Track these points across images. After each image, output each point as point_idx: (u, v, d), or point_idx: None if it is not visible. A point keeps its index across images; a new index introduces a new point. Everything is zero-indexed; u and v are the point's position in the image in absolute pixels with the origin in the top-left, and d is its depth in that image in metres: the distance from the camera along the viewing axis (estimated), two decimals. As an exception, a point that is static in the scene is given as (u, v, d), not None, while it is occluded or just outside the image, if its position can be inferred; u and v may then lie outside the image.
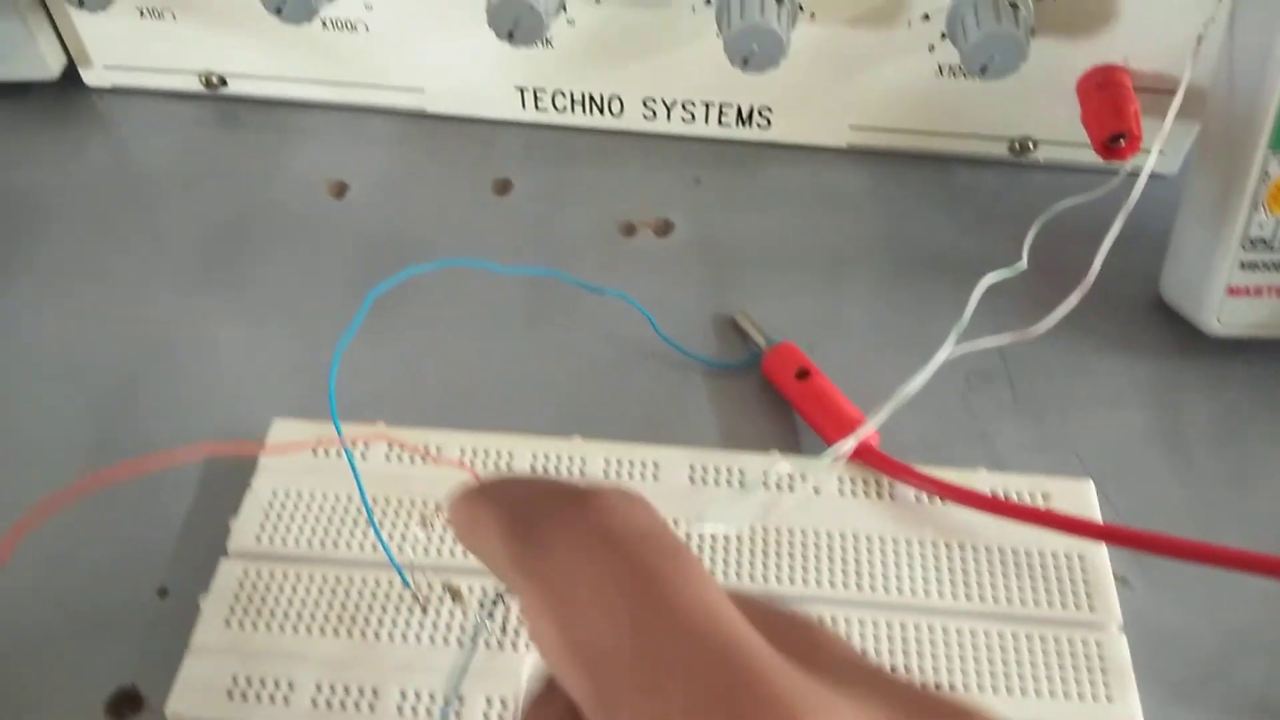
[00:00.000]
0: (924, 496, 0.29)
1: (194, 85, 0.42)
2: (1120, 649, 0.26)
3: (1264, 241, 0.31)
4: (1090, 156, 0.36)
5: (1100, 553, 0.28)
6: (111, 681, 0.27)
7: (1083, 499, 0.29)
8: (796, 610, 0.16)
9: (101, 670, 0.27)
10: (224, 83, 0.41)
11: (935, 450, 0.32)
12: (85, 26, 0.40)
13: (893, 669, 0.20)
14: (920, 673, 0.26)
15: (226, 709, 0.25)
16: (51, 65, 0.41)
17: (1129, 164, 0.35)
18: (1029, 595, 0.27)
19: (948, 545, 0.28)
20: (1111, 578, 0.28)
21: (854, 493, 0.29)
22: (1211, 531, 0.30)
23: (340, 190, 0.39)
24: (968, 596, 0.27)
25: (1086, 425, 0.32)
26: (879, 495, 0.29)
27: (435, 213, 0.38)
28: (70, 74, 0.42)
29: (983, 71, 0.33)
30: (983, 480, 0.29)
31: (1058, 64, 0.36)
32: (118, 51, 0.41)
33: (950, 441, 0.32)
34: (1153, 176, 0.39)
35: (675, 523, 0.28)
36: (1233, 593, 0.28)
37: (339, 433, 0.26)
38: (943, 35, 0.35)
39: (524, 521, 0.16)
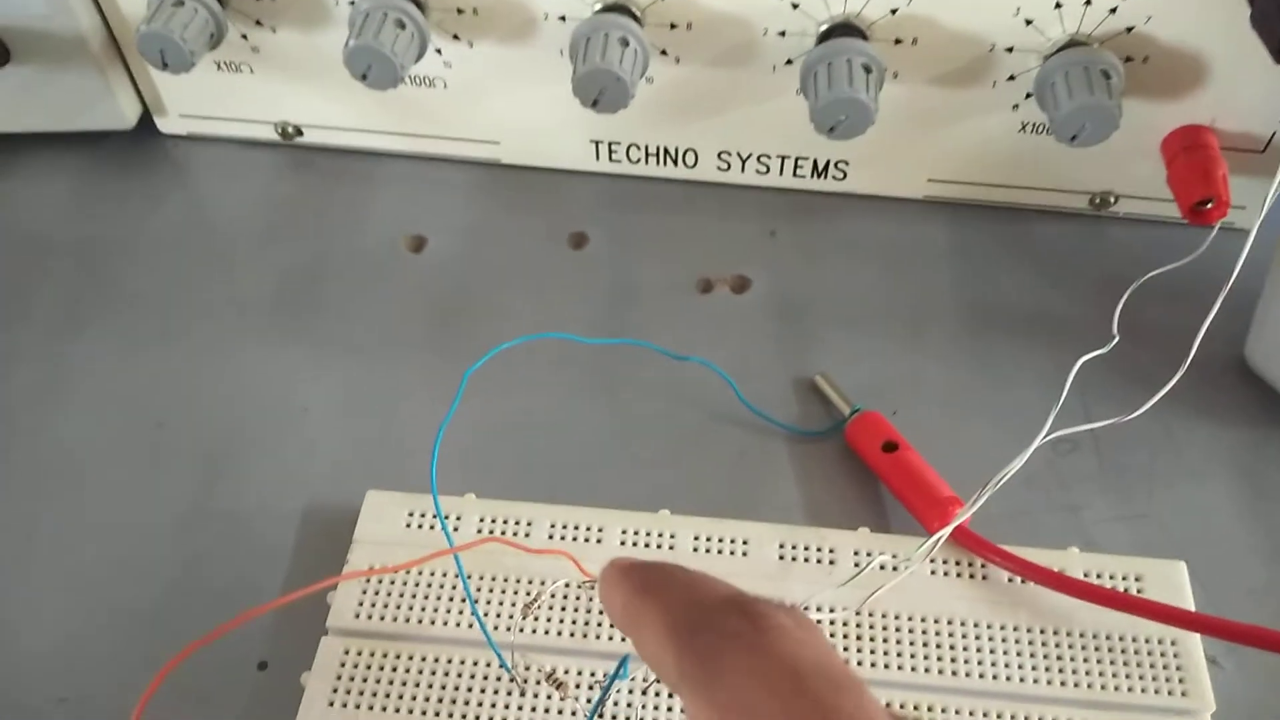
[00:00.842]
0: (1016, 578, 0.29)
1: (270, 135, 0.42)
2: (1217, 739, 0.26)
3: (1360, 316, 0.31)
4: (1171, 210, 0.36)
5: (1193, 638, 0.28)
6: (217, 755, 0.27)
7: (1174, 581, 0.29)
8: None
9: (207, 743, 0.28)
10: (300, 133, 0.42)
11: (1024, 521, 0.32)
12: (162, 78, 0.41)
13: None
14: (1016, 761, 0.26)
15: (333, 792, 0.25)
16: (128, 115, 0.41)
17: (1216, 226, 0.34)
18: (1122, 681, 0.27)
19: (1041, 630, 0.28)
20: (1204, 663, 0.27)
21: (946, 574, 0.29)
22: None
23: (419, 245, 0.39)
24: (1062, 683, 0.27)
25: (1174, 497, 0.32)
26: (971, 576, 0.29)
27: (513, 267, 0.38)
28: (145, 121, 0.42)
29: (1073, 140, 0.33)
30: (1075, 561, 0.29)
31: (1143, 123, 0.36)
32: (194, 101, 0.41)
33: (1038, 512, 0.32)
34: (1234, 230, 0.38)
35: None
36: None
37: (440, 518, 0.26)
38: (1028, 95, 0.35)
39: (692, 630, 0.16)
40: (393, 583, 0.28)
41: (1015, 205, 0.40)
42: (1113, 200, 0.39)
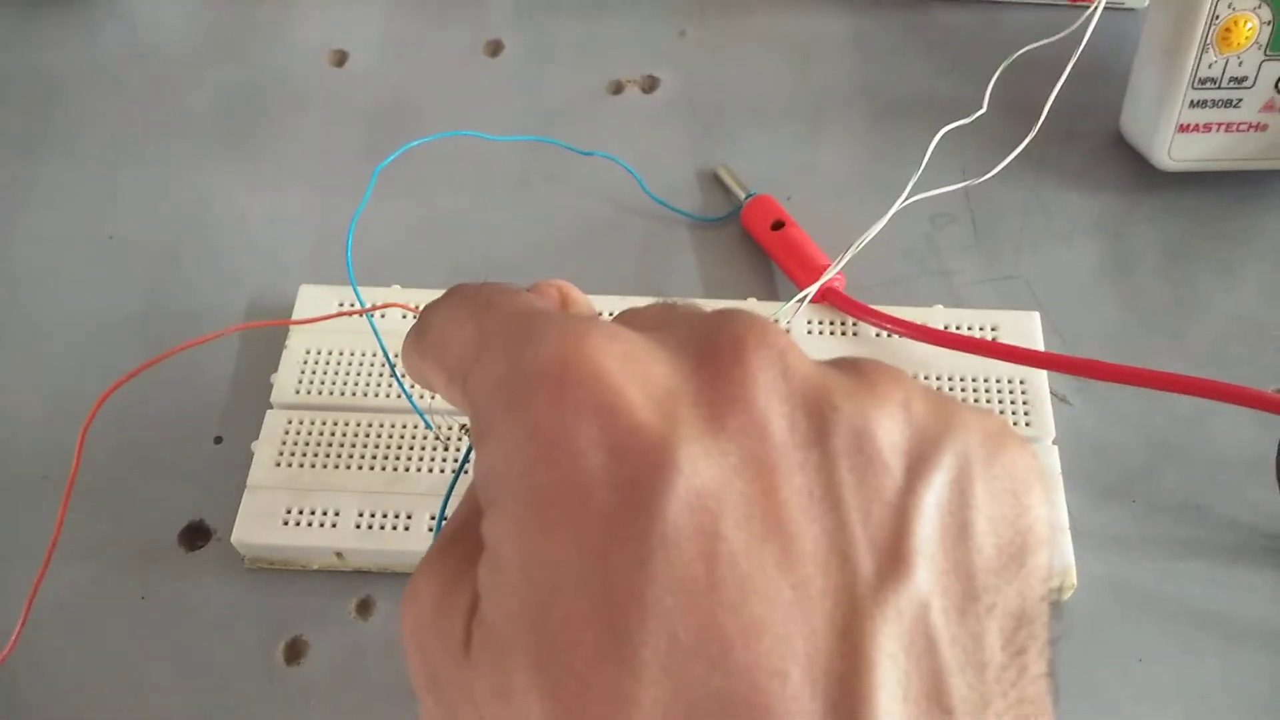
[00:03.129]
0: (884, 333, 0.32)
1: (191, -43, 0.43)
2: (1051, 459, 0.30)
3: (1212, 81, 0.33)
4: (1065, -9, 0.37)
5: (1040, 376, 0.31)
6: (181, 517, 0.31)
7: (1027, 329, 0.32)
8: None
9: (171, 508, 0.31)
10: (220, -47, 0.43)
11: (900, 287, 0.35)
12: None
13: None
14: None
15: (284, 535, 0.29)
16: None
17: (1093, 5, 0.36)
18: (975, 416, 0.31)
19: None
20: (1049, 398, 0.31)
21: (821, 332, 0.32)
22: (1151, 354, 0.33)
23: (341, 59, 0.41)
24: (920, 419, 0.31)
25: (1041, 258, 0.35)
26: (844, 334, 0.32)
27: (432, 77, 0.40)
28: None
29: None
30: (938, 316, 0.32)
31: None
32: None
33: (914, 278, 0.35)
34: (1125, 10, 0.40)
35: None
36: (1163, 409, 0.32)
37: (360, 302, 0.29)
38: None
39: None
40: (327, 363, 0.32)
41: (915, -7, 0.41)
42: (1007, -17, 0.40)
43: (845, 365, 0.15)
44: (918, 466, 0.14)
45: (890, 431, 0.14)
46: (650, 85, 0.40)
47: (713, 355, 0.14)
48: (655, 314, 0.16)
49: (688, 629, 0.12)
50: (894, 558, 0.13)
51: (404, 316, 0.33)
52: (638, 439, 0.13)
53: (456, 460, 0.30)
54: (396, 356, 0.32)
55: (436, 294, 0.32)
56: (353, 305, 0.33)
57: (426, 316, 0.18)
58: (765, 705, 0.12)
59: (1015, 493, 0.15)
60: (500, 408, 0.14)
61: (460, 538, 0.15)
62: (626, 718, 0.12)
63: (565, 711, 0.13)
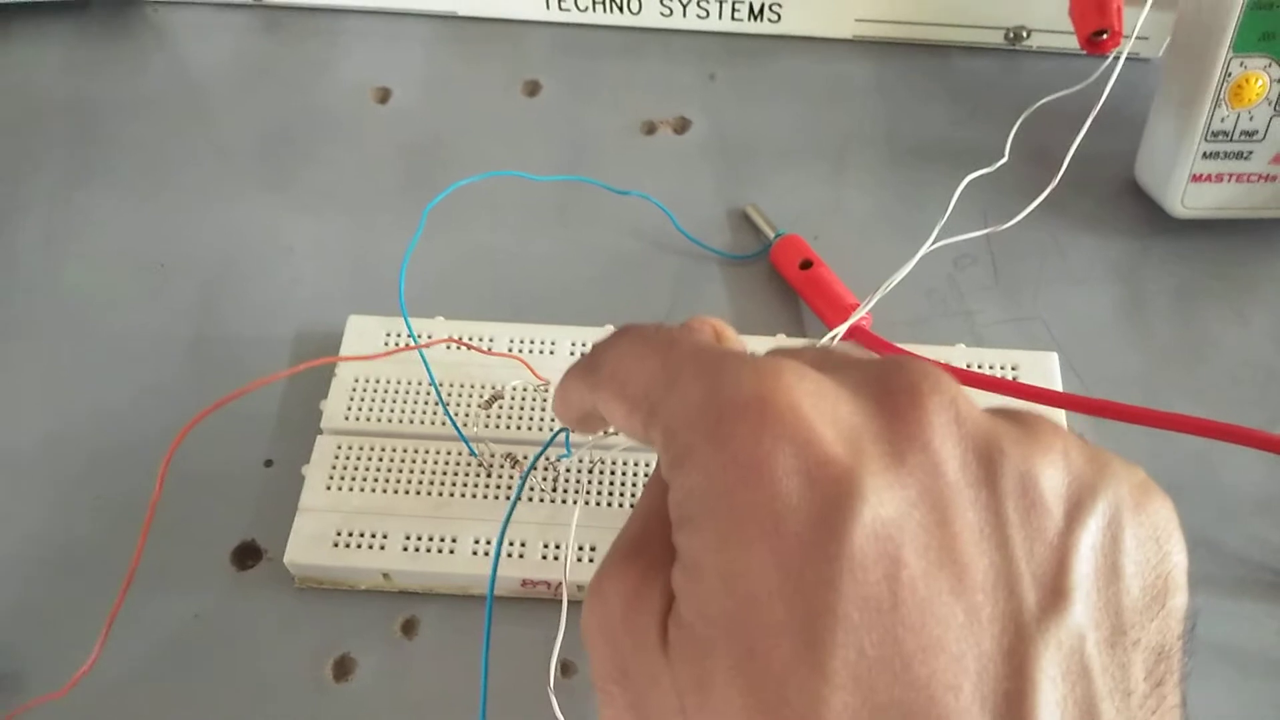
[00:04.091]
0: (909, 370, 0.33)
1: (240, -5, 0.45)
2: (1068, 495, 0.31)
3: (1225, 134, 0.35)
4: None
5: (1058, 416, 0.33)
6: (233, 537, 0.33)
7: (1046, 369, 0.33)
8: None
9: (224, 528, 0.33)
10: (268, -9, 0.44)
11: (924, 326, 0.36)
12: (136, -57, 0.43)
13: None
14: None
15: (334, 556, 0.31)
16: (108, -21, 0.44)
17: (1111, 56, 0.37)
18: (995, 452, 0.32)
19: (927, 412, 0.33)
20: (1068, 436, 0.32)
21: (848, 369, 0.33)
22: (1163, 393, 0.34)
23: (384, 96, 0.43)
24: (943, 454, 0.32)
25: (1058, 300, 0.37)
26: (870, 370, 0.33)
27: (472, 114, 0.42)
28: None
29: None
30: (960, 355, 0.34)
31: (1051, -42, 0.38)
32: (167, -36, 0.44)
33: (937, 318, 0.36)
34: (1140, 61, 0.41)
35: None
36: (1175, 448, 0.33)
37: (412, 335, 0.30)
38: (940, -65, 0.38)
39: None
40: (375, 390, 0.33)
41: (936, 42, 0.43)
42: (1025, 34, 0.42)
43: (1009, 415, 0.17)
44: (1075, 512, 0.16)
45: (1052, 478, 0.16)
46: (682, 126, 0.42)
47: (891, 397, 0.16)
48: (815, 356, 0.18)
49: (873, 643, 0.14)
50: (1055, 592, 0.15)
51: (447, 348, 0.34)
52: (828, 469, 0.15)
53: (499, 486, 0.31)
54: (444, 386, 0.33)
55: (480, 325, 0.34)
56: (399, 334, 0.34)
57: (600, 354, 0.19)
58: (940, 716, 0.14)
59: (1158, 539, 0.16)
60: (701, 435, 0.16)
61: (644, 547, 0.17)
62: (819, 718, 0.14)
63: (764, 708, 0.14)
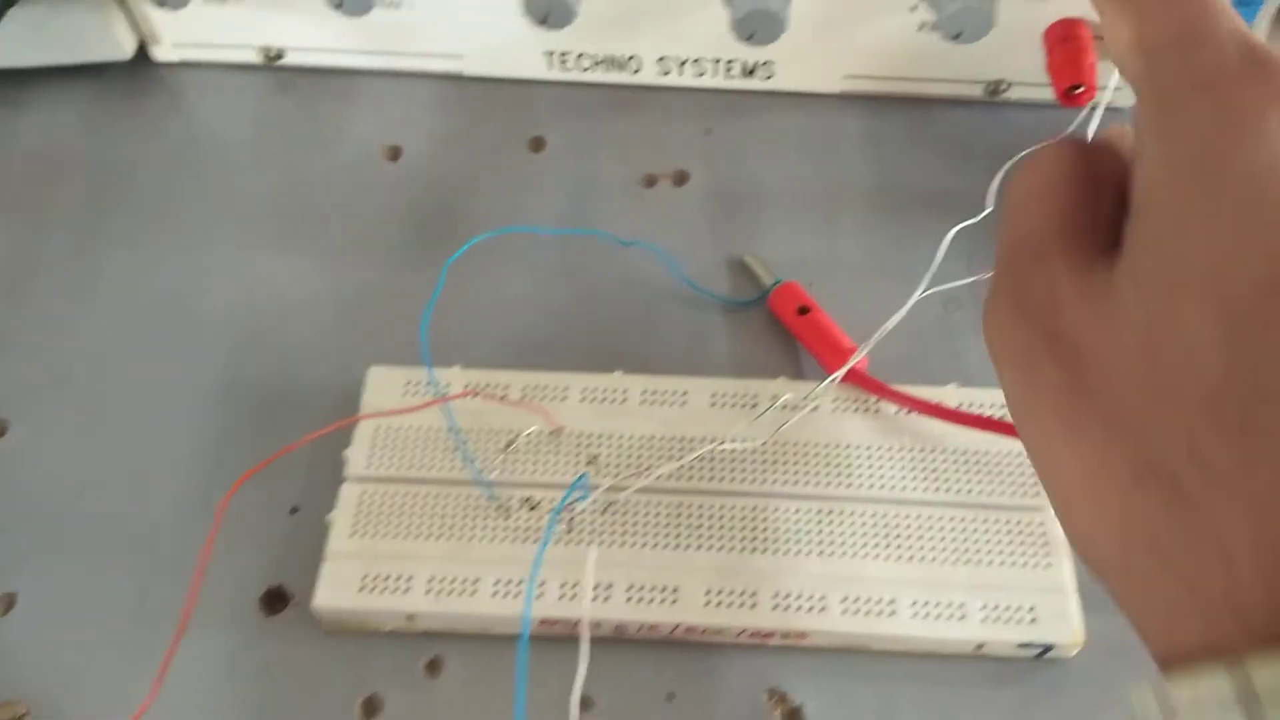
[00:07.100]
0: (902, 411, 0.35)
1: (254, 58, 0.46)
2: (1057, 526, 0.33)
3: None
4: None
5: (1046, 451, 0.34)
6: (262, 583, 0.34)
7: (1034, 408, 0.35)
8: None
9: (252, 574, 0.34)
10: (281, 55, 0.46)
11: (916, 365, 0.38)
12: (155, 13, 0.45)
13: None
14: (898, 549, 0.33)
15: (360, 600, 0.32)
16: (126, 46, 0.46)
17: (1086, 109, 0.40)
18: (985, 486, 0.34)
19: (921, 449, 0.34)
20: (1055, 470, 0.34)
21: (845, 409, 0.35)
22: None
23: (395, 154, 0.44)
24: (936, 489, 0.34)
25: (1043, 341, 0.38)
26: (866, 411, 0.35)
27: (481, 170, 0.44)
28: (141, 51, 0.47)
29: (956, 38, 0.38)
30: (951, 395, 0.35)
31: (1028, 17, 0.41)
32: (184, 30, 0.46)
33: (928, 358, 0.38)
34: (1118, 111, 0.44)
35: (700, 441, 0.34)
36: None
37: (434, 384, 0.32)
38: (923, -2, 0.40)
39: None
40: (396, 438, 0.35)
41: (921, 96, 0.45)
42: (1005, 88, 0.44)
43: None
44: None
45: None
46: (681, 178, 0.44)
47: None
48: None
49: None
50: None
51: (466, 397, 0.36)
52: None
53: (517, 528, 0.33)
54: (462, 433, 0.35)
55: (495, 373, 0.36)
56: (418, 383, 0.36)
57: None
58: None
59: None
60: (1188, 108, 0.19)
61: (1070, 232, 0.22)
62: None
63: (1239, 329, 0.17)
